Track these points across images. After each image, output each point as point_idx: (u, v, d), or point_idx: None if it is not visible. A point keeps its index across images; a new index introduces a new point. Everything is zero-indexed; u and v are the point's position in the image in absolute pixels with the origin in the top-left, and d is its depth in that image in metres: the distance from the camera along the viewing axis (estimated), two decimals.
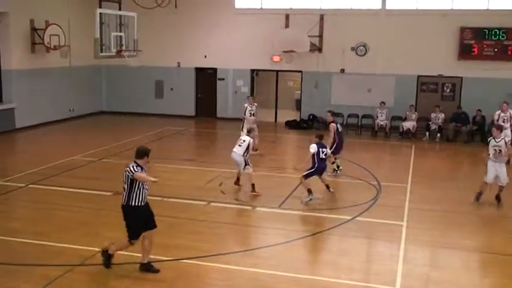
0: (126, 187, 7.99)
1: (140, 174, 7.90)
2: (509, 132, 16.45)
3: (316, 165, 12.29)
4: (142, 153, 8.13)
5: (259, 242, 10.03)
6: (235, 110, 24.28)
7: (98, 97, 25.87)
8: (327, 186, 12.76)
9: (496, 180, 12.12)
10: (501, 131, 12.28)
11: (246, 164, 12.68)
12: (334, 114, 15.85)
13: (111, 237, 9.55)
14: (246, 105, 17.96)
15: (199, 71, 25.02)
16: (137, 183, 7.93)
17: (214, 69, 24.69)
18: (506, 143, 11.95)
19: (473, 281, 8.51)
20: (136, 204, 8.00)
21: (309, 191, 12.17)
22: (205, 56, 24.34)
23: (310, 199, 12.09)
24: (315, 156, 12.30)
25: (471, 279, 8.53)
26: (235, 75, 24.48)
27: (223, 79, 24.65)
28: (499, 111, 17.44)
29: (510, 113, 17.28)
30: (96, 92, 25.72)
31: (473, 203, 12.26)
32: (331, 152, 14.71)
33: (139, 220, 8.08)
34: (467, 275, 8.69)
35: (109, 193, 12.41)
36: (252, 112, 17.69)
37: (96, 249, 9.01)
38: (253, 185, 12.64)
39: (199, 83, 25.23)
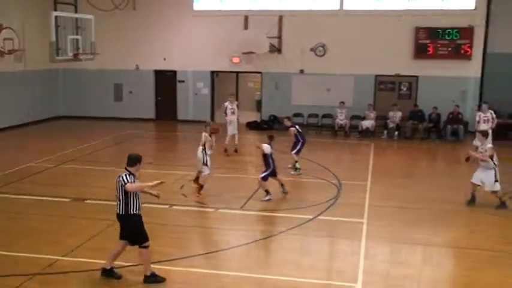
0: (120, 197, 7.82)
1: (132, 186, 7.74)
2: (490, 133, 15.79)
3: (271, 166, 12.47)
4: (134, 161, 7.96)
5: (221, 244, 10.01)
6: (196, 112, 24.25)
7: (55, 101, 25.33)
8: (282, 185, 12.86)
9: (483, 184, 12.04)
10: (486, 138, 12.20)
11: (204, 164, 12.61)
12: (291, 119, 16.12)
13: (72, 244, 9.43)
14: (226, 104, 18.01)
15: (159, 73, 24.81)
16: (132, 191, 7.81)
17: (174, 72, 24.54)
18: (486, 150, 11.85)
19: (434, 275, 8.69)
20: (135, 212, 7.89)
21: (267, 192, 12.36)
22: (165, 59, 24.18)
23: (269, 198, 12.29)
24: (269, 157, 12.47)
25: (432, 274, 8.71)
26: (195, 77, 24.39)
27: (183, 81, 24.52)
28: (480, 112, 17.16)
29: (491, 113, 16.99)
30: (53, 96, 25.18)
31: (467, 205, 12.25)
32: (296, 152, 14.95)
33: (141, 226, 7.97)
34: (428, 270, 8.88)
35: (68, 199, 12.21)
36: (233, 110, 17.78)
37: (57, 257, 8.85)
38: (201, 186, 12.63)
39: (159, 86, 25.02)
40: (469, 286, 8.34)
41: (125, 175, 7.80)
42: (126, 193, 7.77)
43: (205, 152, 12.57)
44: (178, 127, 23.97)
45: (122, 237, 8.09)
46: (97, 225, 10.44)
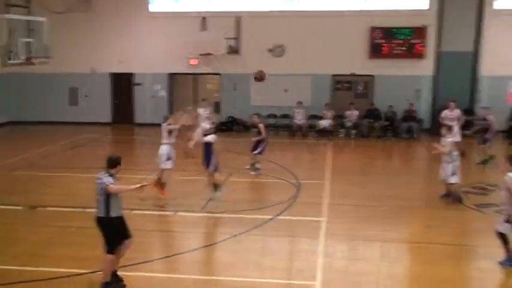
0: (101, 199, 7.66)
1: (115, 187, 7.63)
2: (458, 129, 16.10)
3: (215, 155, 12.20)
4: (114, 162, 7.82)
5: (182, 247, 9.93)
6: (154, 115, 23.97)
7: (8, 106, 24.59)
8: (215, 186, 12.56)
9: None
10: (449, 132, 12.43)
11: (168, 158, 12.45)
12: (259, 115, 16.20)
13: (24, 252, 9.19)
14: (199, 110, 17.85)
15: (115, 76, 24.46)
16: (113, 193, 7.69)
17: (131, 74, 24.24)
18: (445, 144, 12.09)
19: (392, 270, 8.85)
20: (116, 215, 7.75)
21: (218, 186, 12.25)
22: (121, 62, 23.82)
23: (219, 194, 12.18)
24: (212, 149, 12.20)
25: (390, 269, 8.86)
26: (153, 79, 24.16)
27: (140, 84, 24.25)
28: (446, 110, 17.35)
29: (457, 112, 17.17)
30: (6, 101, 24.43)
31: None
32: (259, 153, 14.96)
33: (120, 230, 7.85)
34: (386, 265, 9.01)
35: (20, 207, 11.89)
36: (208, 116, 17.65)
37: (7, 267, 8.58)
38: (163, 184, 12.47)
39: (116, 89, 24.66)
40: (426, 280, 8.54)
41: (106, 176, 7.67)
42: (108, 195, 7.63)
43: (170, 145, 12.45)
44: (135, 131, 23.70)
45: (123, 239, 7.96)
46: (50, 232, 10.22)
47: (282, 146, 20.00)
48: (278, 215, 11.42)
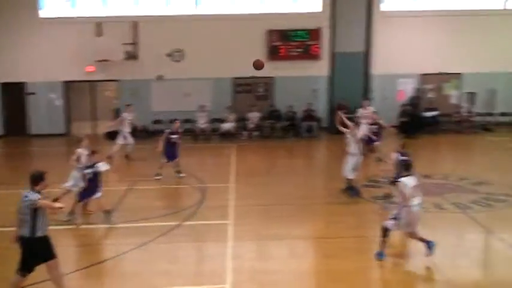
0: (28, 218, 7.24)
1: (45, 202, 7.29)
2: (366, 127, 16.85)
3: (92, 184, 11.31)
4: (38, 178, 7.44)
5: (87, 260, 9.60)
6: (50, 126, 23.04)
7: None
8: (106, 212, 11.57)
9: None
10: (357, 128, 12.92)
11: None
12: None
13: None
14: (124, 114, 17.31)
15: (5, 85, 23.12)
16: (41, 211, 7.26)
17: (23, 83, 23.05)
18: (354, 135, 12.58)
19: (299, 267, 9.12)
20: (42, 234, 7.37)
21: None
22: (22, 69, 22.54)
23: (70, 219, 11.31)
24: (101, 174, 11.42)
25: (297, 266, 9.14)
26: (47, 88, 23.12)
27: (34, 93, 23.13)
28: (361, 108, 18.24)
29: (370, 110, 18.04)
30: None
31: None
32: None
33: (42, 251, 7.45)
34: (294, 263, 9.28)
35: None
36: (131, 122, 17.33)
37: None
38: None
39: (6, 99, 23.29)
40: (330, 273, 8.88)
41: (32, 194, 7.31)
42: (35, 213, 7.25)
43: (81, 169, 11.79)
44: (31, 142, 22.53)
45: (41, 262, 7.58)
46: None
47: (185, 151, 19.70)
48: (185, 220, 11.38)
